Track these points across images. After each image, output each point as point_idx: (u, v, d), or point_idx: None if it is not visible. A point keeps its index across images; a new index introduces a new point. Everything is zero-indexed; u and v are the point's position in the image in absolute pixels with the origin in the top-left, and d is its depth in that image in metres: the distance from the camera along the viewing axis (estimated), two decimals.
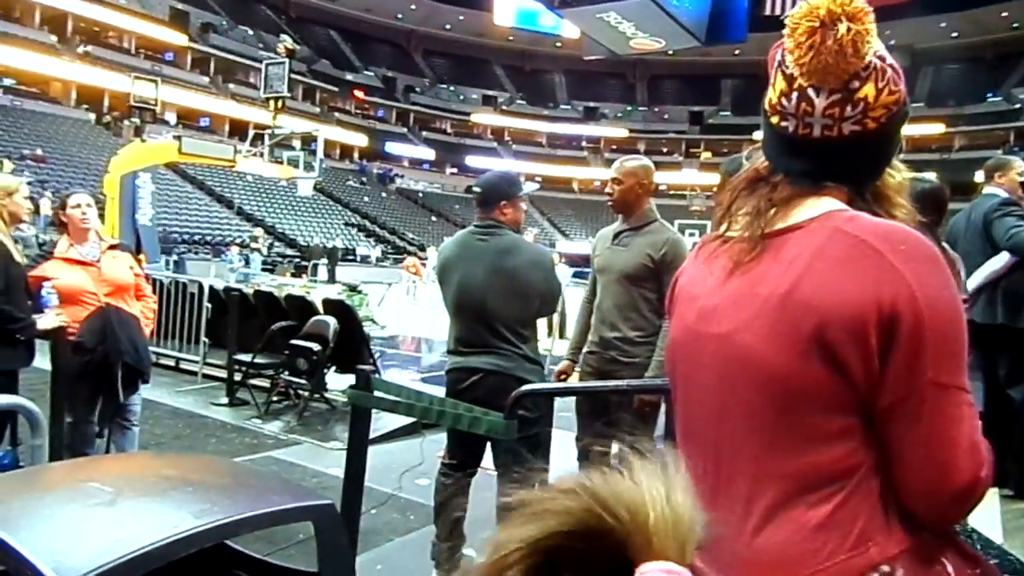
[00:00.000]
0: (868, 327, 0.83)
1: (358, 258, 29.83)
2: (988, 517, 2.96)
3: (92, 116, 32.89)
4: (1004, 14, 40.82)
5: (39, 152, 26.07)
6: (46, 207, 14.96)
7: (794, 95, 0.94)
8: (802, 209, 0.96)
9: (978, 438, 0.87)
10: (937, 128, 40.65)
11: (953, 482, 0.85)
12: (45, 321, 3.22)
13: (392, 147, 47.60)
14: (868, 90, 0.92)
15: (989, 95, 43.21)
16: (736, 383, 0.93)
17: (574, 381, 3.37)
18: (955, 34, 43.39)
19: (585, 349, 3.21)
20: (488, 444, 2.88)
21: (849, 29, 0.88)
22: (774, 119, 0.98)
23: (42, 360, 3.37)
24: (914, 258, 0.86)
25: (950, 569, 0.89)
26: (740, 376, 0.92)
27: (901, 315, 0.83)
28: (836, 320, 0.84)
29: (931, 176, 2.96)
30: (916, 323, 0.83)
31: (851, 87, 0.91)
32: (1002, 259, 3.38)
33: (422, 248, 29.61)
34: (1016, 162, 3.67)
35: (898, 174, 1.01)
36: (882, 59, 0.92)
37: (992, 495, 3.19)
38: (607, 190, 3.15)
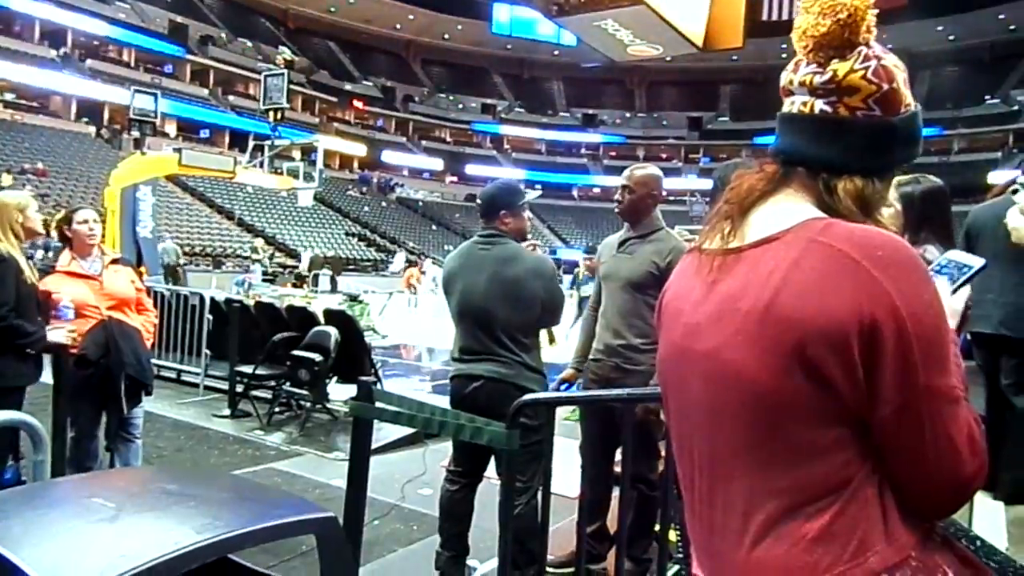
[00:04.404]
0: (849, 340, 0.83)
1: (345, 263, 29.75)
2: (993, 527, 2.94)
3: (92, 129, 33.00)
4: (1001, 16, 40.94)
5: (40, 166, 26.15)
6: None
7: (789, 69, 1.01)
8: (778, 213, 0.96)
9: (974, 429, 0.88)
10: (935, 131, 40.71)
11: (959, 476, 0.87)
12: (56, 334, 3.22)
13: (391, 156, 47.72)
14: (841, 66, 0.95)
15: (987, 98, 43.29)
16: (725, 399, 0.93)
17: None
18: (952, 37, 43.50)
19: (590, 356, 3.21)
20: (492, 453, 2.89)
21: (851, 0, 0.94)
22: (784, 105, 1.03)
23: (45, 374, 3.37)
24: (892, 264, 0.85)
25: None
26: (728, 392, 0.92)
27: (882, 326, 0.83)
28: (817, 334, 0.84)
29: (931, 176, 2.80)
30: (899, 332, 0.83)
31: (830, 60, 0.96)
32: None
33: (422, 256, 29.58)
34: None
35: (885, 192, 0.99)
36: (878, 57, 0.95)
37: (997, 506, 3.15)
38: (616, 197, 3.12)
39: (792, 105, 1.01)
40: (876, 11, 0.96)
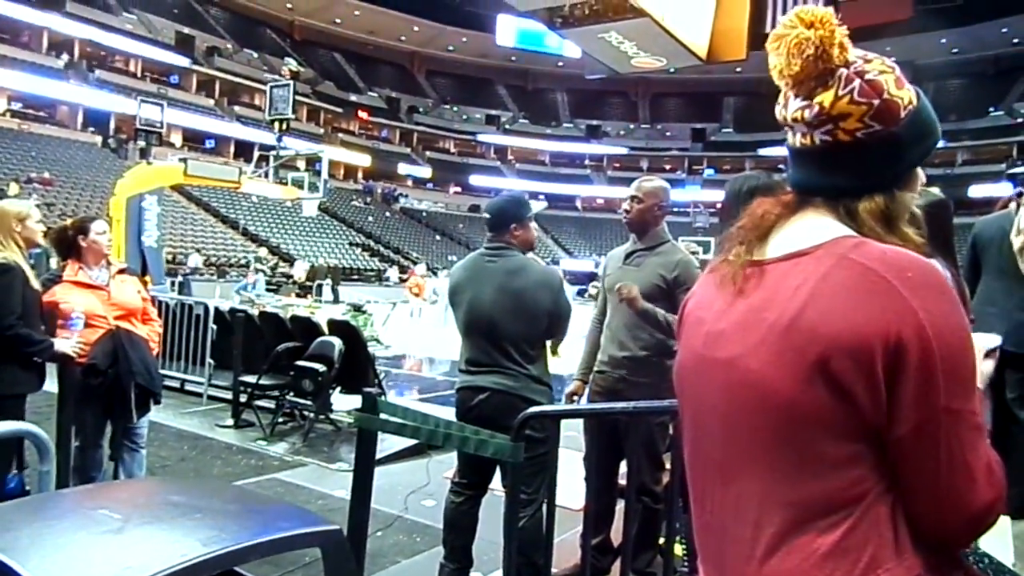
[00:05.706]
0: (874, 357, 0.83)
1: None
2: (1000, 542, 2.92)
3: (99, 139, 33.17)
4: (1004, 30, 40.99)
5: (46, 175, 26.27)
6: None
7: (780, 104, 1.00)
8: (803, 230, 0.96)
9: (993, 459, 0.87)
10: (939, 143, 40.57)
11: (972, 506, 0.86)
12: (62, 344, 3.23)
13: (396, 167, 47.83)
14: (826, 96, 0.94)
15: (991, 110, 43.30)
16: (742, 409, 0.92)
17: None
18: (956, 50, 43.54)
19: (594, 368, 3.21)
20: (497, 465, 2.88)
21: (815, 32, 0.93)
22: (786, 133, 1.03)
23: (49, 383, 3.38)
24: (921, 286, 0.85)
25: None
26: (746, 402, 0.92)
27: (908, 345, 0.83)
28: (841, 349, 0.84)
29: (934, 189, 2.78)
30: (924, 353, 0.83)
31: (814, 92, 0.95)
32: None
33: (432, 270, 29.53)
34: None
35: (908, 198, 0.99)
36: (860, 73, 0.94)
37: (1004, 520, 3.13)
38: (624, 207, 3.14)
39: (794, 138, 1.00)
40: (844, 28, 0.94)
